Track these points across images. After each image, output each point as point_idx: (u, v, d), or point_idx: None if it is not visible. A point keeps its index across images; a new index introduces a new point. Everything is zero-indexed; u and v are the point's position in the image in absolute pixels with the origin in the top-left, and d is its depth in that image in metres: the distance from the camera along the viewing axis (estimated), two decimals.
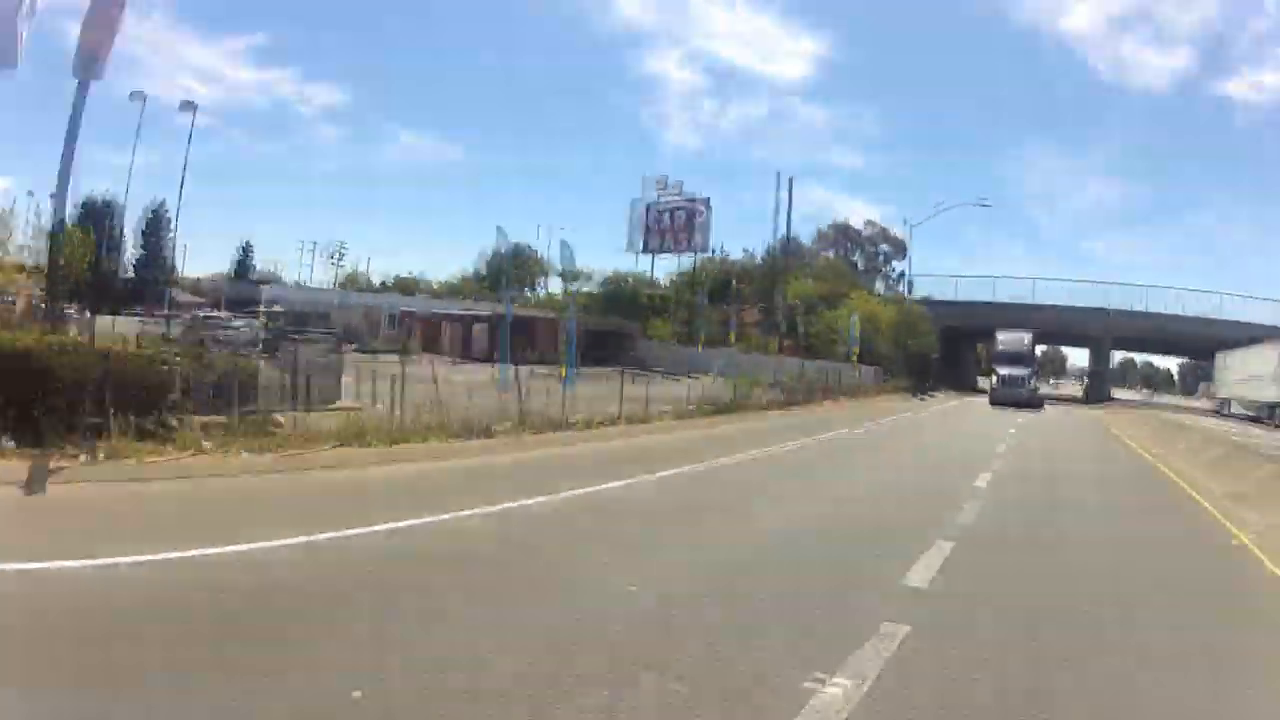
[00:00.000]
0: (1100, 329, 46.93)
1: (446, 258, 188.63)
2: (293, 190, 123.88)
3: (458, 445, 9.93)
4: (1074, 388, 66.53)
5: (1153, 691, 3.34)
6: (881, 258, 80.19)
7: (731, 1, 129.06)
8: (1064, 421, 26.99)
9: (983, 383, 54.35)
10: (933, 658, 3.47)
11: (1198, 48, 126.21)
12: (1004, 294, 49.23)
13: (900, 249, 75.71)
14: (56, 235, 13.06)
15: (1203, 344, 49.59)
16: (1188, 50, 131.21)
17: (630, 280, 51.36)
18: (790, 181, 39.82)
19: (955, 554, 5.47)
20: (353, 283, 71.04)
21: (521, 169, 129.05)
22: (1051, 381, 76.47)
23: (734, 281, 50.12)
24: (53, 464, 6.60)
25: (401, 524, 5.32)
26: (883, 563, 5.17)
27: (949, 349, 49.47)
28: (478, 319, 44.81)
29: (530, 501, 6.46)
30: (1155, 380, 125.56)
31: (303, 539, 4.73)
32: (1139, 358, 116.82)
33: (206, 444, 8.06)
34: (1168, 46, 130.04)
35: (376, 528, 5.18)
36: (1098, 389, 49.14)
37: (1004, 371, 37.59)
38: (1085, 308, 46.76)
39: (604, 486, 7.47)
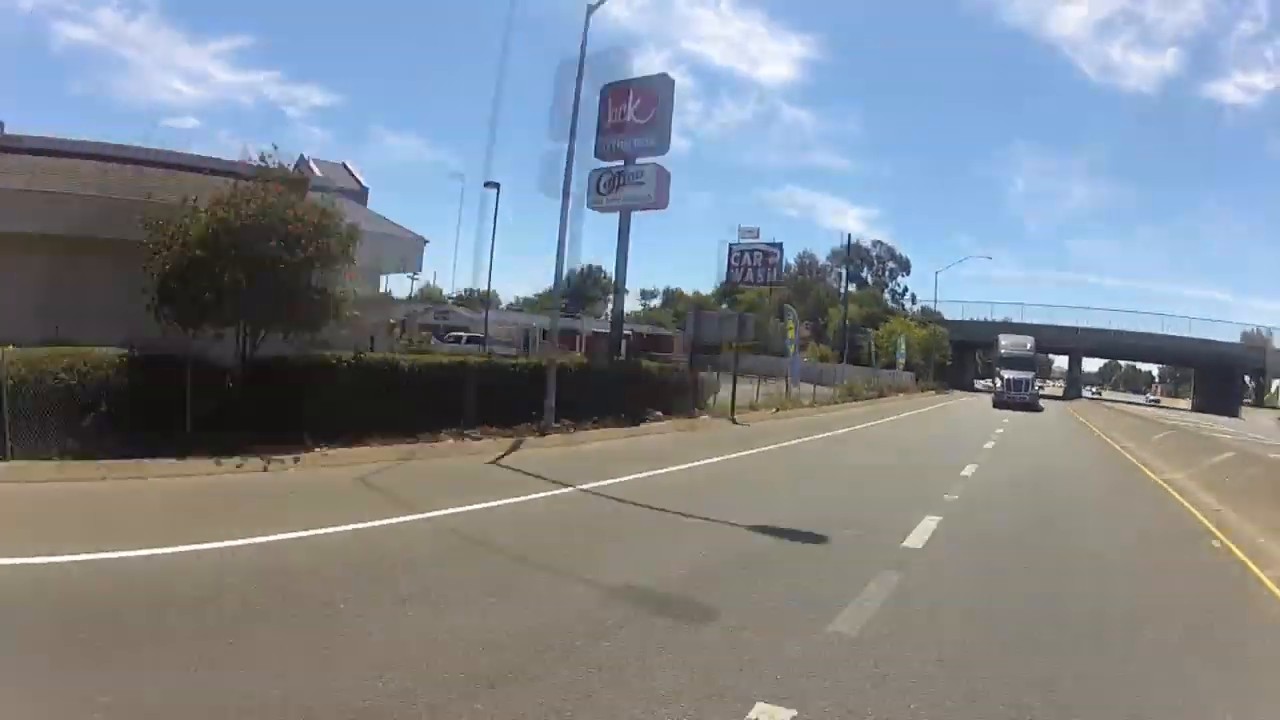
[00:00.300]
0: (1073, 344, 61.85)
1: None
2: None
3: (808, 407, 23.93)
4: (1055, 388, 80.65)
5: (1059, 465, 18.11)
6: (888, 273, 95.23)
7: (717, 4, 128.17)
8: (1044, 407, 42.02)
9: (978, 384, 68.69)
10: (999, 457, 18.07)
11: (1185, 50, 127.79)
12: (999, 314, 64.47)
13: (904, 265, 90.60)
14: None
15: (1158, 353, 64.74)
16: (1175, 53, 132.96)
17: (713, 300, 66.06)
18: (849, 236, 54.32)
19: (1001, 438, 20.05)
20: (430, 297, 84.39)
21: (508, 171, 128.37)
22: (1039, 383, 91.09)
23: (789, 303, 65.00)
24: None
25: (901, 415, 19.72)
26: (976, 439, 19.39)
27: (955, 357, 64.21)
28: (599, 333, 59.37)
29: (883, 420, 20.94)
30: (1136, 381, 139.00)
31: (878, 420, 19.16)
32: (1122, 361, 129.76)
33: (718, 416, 22.20)
34: (1155, 49, 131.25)
35: (888, 419, 19.59)
36: (1073, 390, 64.28)
37: (1009, 375, 39.57)
38: (1062, 327, 61.46)
39: (901, 415, 22.18)
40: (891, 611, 4.27)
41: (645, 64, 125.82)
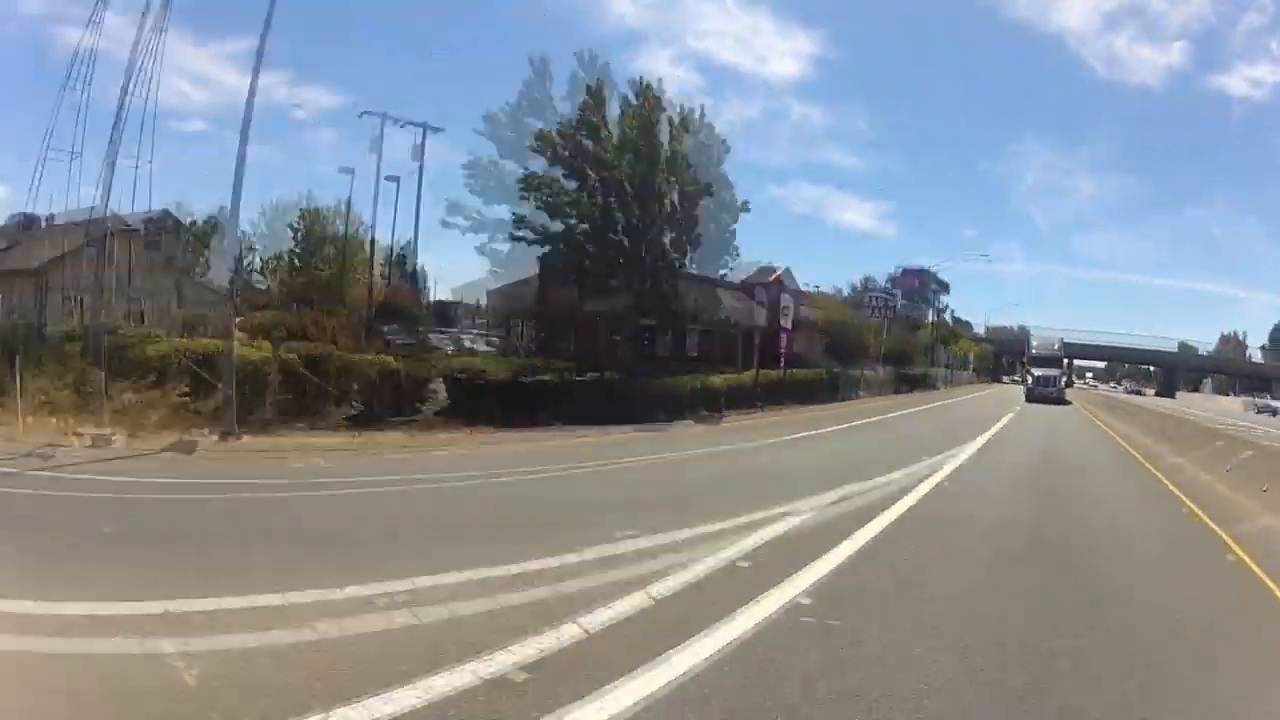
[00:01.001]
0: (1075, 354, 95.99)
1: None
2: (286, 191, 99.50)
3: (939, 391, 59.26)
4: None
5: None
6: (931, 293, 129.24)
7: (723, 0, 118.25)
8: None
9: (1006, 378, 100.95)
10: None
11: (1192, 43, 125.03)
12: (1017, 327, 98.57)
13: (945, 287, 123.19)
14: None
15: (1131, 358, 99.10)
16: (1182, 45, 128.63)
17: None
18: (936, 298, 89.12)
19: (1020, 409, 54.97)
20: None
21: (515, 170, 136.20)
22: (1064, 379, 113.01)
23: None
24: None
25: (987, 391, 54.95)
26: (1010, 402, 54.06)
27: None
28: None
29: (984, 392, 56.18)
30: (1136, 376, 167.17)
31: (981, 393, 54.44)
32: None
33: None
34: (1161, 42, 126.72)
35: (985, 393, 54.80)
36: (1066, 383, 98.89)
37: (1038, 373, 45.10)
38: (1067, 343, 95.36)
39: (987, 391, 57.45)
40: (1016, 418, 39.32)
41: (650, 61, 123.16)
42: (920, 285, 59.56)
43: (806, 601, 4.85)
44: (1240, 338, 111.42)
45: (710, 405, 19.98)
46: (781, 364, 27.54)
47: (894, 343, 46.34)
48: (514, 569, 5.18)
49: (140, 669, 3.49)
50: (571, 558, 5.54)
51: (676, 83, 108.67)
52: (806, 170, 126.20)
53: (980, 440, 17.46)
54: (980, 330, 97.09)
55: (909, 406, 31.12)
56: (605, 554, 5.69)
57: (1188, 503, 9.89)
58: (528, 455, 11.87)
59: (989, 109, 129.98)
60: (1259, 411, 50.16)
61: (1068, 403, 42.37)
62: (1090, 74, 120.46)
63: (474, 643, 3.85)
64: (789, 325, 28.47)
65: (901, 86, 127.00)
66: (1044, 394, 42.13)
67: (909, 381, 44.09)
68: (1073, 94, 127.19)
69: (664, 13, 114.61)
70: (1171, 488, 11.40)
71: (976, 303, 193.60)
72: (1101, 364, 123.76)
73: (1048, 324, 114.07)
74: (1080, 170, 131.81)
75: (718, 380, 21.05)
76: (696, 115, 23.60)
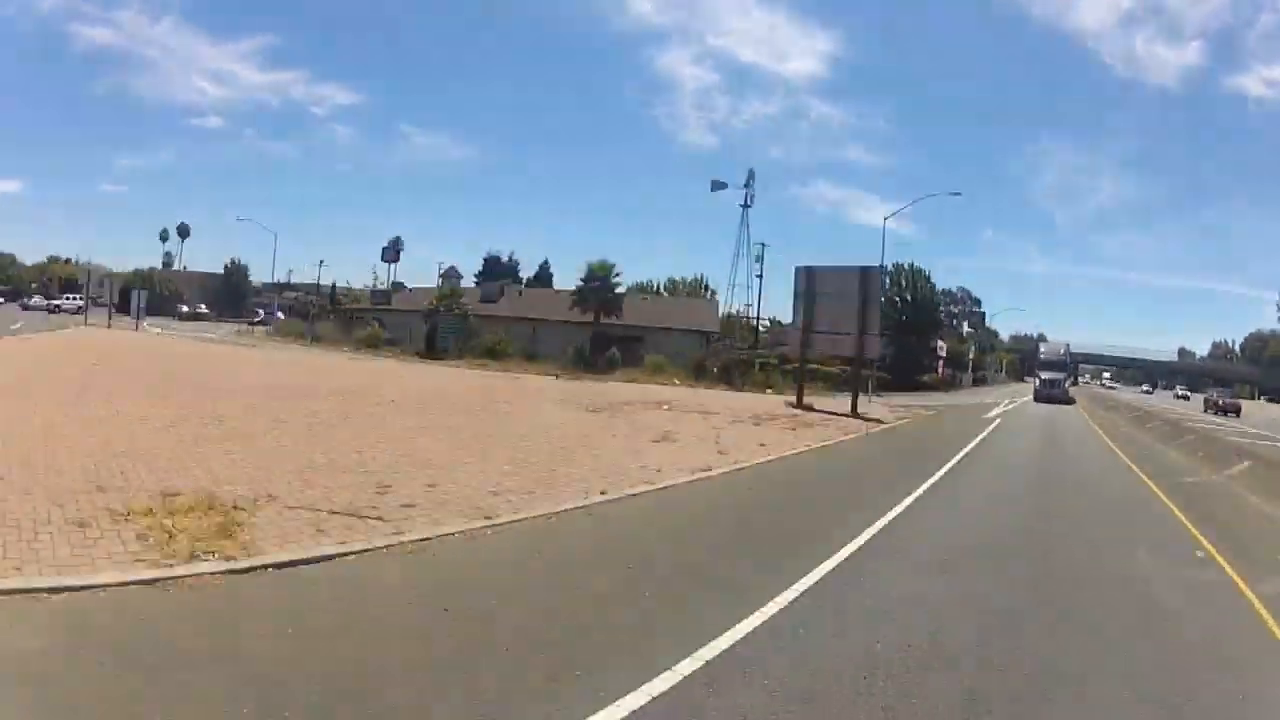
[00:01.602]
0: (1079, 360, 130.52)
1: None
2: (305, 190, 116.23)
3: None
4: None
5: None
6: (971, 313, 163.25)
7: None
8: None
9: (1027, 378, 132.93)
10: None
11: (1209, 42, 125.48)
12: (1033, 332, 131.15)
13: (976, 302, 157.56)
14: None
15: (1122, 363, 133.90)
16: (1199, 45, 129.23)
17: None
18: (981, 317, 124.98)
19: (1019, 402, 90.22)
20: None
21: (536, 168, 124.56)
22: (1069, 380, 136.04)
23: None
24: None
25: (1014, 385, 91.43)
26: (1023, 393, 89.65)
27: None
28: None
29: (1016, 385, 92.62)
30: (1137, 378, 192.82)
31: (1017, 385, 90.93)
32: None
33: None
34: (1179, 41, 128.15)
35: (1014, 387, 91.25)
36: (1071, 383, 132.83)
37: (1045, 376, 52.29)
38: (1073, 352, 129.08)
39: (1014, 386, 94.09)
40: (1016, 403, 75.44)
41: (673, 60, 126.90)
42: (965, 310, 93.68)
43: (1013, 405, 42.87)
44: (1230, 344, 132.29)
45: (938, 389, 56.49)
46: (939, 372, 63.91)
47: (976, 355, 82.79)
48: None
49: None
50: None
51: (698, 81, 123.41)
52: (826, 169, 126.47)
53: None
54: (1005, 338, 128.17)
55: (993, 388, 67.55)
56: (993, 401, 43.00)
57: (1085, 415, 46.69)
58: (946, 396, 48.77)
59: (1007, 108, 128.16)
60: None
61: (1072, 401, 50.06)
62: (1109, 73, 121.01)
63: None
64: (943, 354, 64.95)
65: (920, 85, 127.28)
66: (1050, 394, 49.60)
67: (979, 380, 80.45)
68: (1091, 93, 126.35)
69: (684, 12, 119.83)
70: (1083, 412, 48.47)
71: (999, 306, 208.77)
72: (1112, 368, 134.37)
73: (1065, 324, 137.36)
74: (1099, 169, 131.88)
75: (934, 378, 57.89)
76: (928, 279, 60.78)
